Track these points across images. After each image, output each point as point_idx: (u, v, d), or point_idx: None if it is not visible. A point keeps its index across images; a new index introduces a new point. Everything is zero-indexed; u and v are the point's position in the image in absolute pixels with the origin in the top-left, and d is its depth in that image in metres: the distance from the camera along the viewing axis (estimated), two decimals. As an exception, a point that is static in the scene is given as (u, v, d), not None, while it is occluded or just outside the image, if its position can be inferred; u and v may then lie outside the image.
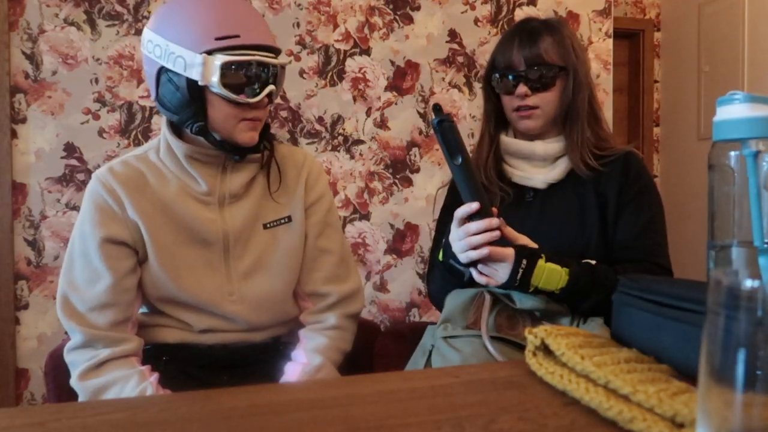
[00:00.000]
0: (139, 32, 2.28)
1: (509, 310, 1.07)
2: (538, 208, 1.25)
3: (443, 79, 2.62)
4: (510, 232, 1.06)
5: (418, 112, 2.59)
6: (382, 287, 2.54)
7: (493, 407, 0.62)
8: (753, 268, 0.71)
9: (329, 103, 2.49)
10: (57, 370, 1.27)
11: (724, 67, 3.38)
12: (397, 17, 2.56)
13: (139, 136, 2.29)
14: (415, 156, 2.58)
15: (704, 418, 0.42)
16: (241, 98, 1.04)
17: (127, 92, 2.28)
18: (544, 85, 1.21)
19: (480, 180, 1.25)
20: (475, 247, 1.01)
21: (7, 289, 2.17)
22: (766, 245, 0.70)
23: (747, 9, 3.21)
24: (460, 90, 2.64)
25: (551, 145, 1.25)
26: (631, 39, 4.00)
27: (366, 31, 2.52)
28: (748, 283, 0.39)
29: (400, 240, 2.57)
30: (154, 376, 1.07)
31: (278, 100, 2.41)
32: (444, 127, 1.04)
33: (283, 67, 1.11)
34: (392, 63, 2.56)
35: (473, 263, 1.04)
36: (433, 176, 2.59)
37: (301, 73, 2.46)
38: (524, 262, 1.02)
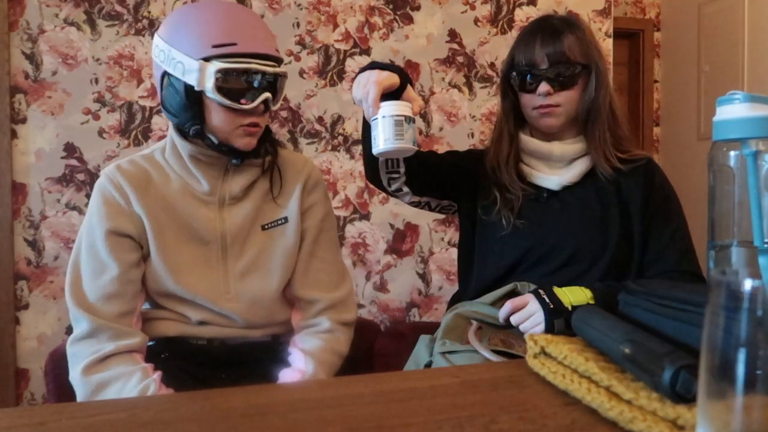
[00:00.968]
0: (139, 32, 2.29)
1: (501, 333, 1.07)
2: (556, 210, 1.23)
3: (443, 79, 2.62)
4: None
5: (418, 112, 2.59)
6: (382, 287, 2.54)
7: (493, 407, 0.62)
8: (753, 268, 0.71)
9: (329, 103, 2.49)
10: (57, 370, 1.27)
11: (724, 67, 3.38)
12: (397, 17, 2.56)
13: (139, 136, 2.29)
14: (415, 156, 2.58)
15: (704, 418, 0.42)
16: (236, 105, 1.07)
17: (127, 92, 2.28)
18: (567, 84, 1.19)
19: (502, 182, 1.25)
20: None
21: (7, 289, 2.17)
22: (766, 245, 0.70)
23: (747, 9, 3.21)
24: (460, 90, 2.64)
25: (569, 147, 1.23)
26: (631, 39, 4.00)
27: (366, 31, 2.52)
28: (748, 283, 0.39)
29: (400, 240, 2.57)
30: (158, 374, 1.08)
31: (278, 100, 2.41)
32: None
33: (282, 75, 1.12)
34: (392, 63, 2.55)
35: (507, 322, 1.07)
36: (433, 176, 2.59)
37: (301, 73, 2.46)
38: (542, 292, 1.02)
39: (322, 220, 1.26)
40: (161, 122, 2.31)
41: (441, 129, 2.61)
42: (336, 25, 2.49)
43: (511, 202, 1.23)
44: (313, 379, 1.13)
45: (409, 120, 1.00)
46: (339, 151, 2.51)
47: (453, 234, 2.60)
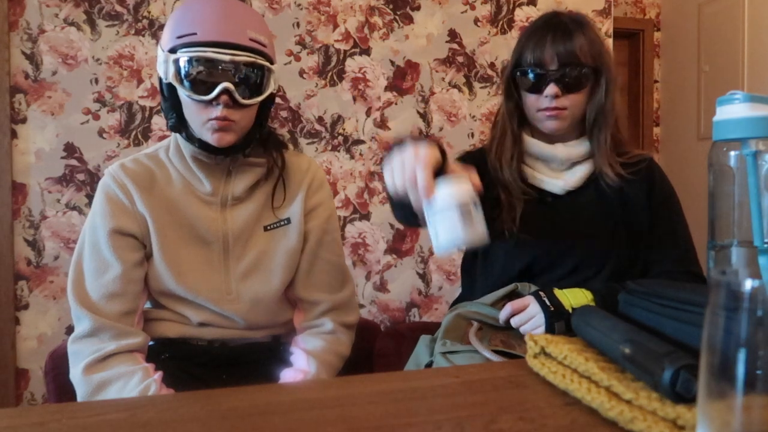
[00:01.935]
0: (139, 32, 2.29)
1: (502, 334, 1.07)
2: (563, 214, 1.21)
3: (443, 79, 2.62)
4: None
5: (418, 112, 2.59)
6: (382, 287, 2.54)
7: (493, 407, 0.62)
8: (753, 268, 0.71)
9: (329, 103, 2.49)
10: (57, 370, 1.27)
11: (724, 67, 3.38)
12: (397, 17, 2.56)
13: (139, 136, 2.29)
14: (415, 156, 2.58)
15: (704, 418, 0.42)
16: (195, 95, 1.05)
17: (127, 92, 2.28)
18: (575, 86, 1.15)
19: (504, 182, 1.22)
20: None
21: (7, 289, 2.17)
22: (766, 245, 0.70)
23: (747, 9, 3.21)
24: (460, 90, 2.63)
25: (573, 149, 1.21)
26: (631, 39, 4.00)
27: (366, 31, 2.52)
28: (748, 283, 0.39)
29: (400, 240, 2.57)
30: (158, 374, 1.08)
31: (278, 100, 2.41)
32: None
33: (254, 65, 1.07)
34: (392, 63, 2.56)
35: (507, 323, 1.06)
36: (433, 176, 2.59)
37: (301, 73, 2.46)
38: (542, 294, 1.02)
39: (326, 222, 1.25)
40: (161, 122, 2.31)
41: (441, 129, 2.61)
42: (336, 25, 2.49)
43: (514, 209, 1.20)
44: (313, 379, 1.13)
45: (477, 203, 0.83)
46: (339, 151, 2.50)
47: (453, 234, 2.60)
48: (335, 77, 2.49)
